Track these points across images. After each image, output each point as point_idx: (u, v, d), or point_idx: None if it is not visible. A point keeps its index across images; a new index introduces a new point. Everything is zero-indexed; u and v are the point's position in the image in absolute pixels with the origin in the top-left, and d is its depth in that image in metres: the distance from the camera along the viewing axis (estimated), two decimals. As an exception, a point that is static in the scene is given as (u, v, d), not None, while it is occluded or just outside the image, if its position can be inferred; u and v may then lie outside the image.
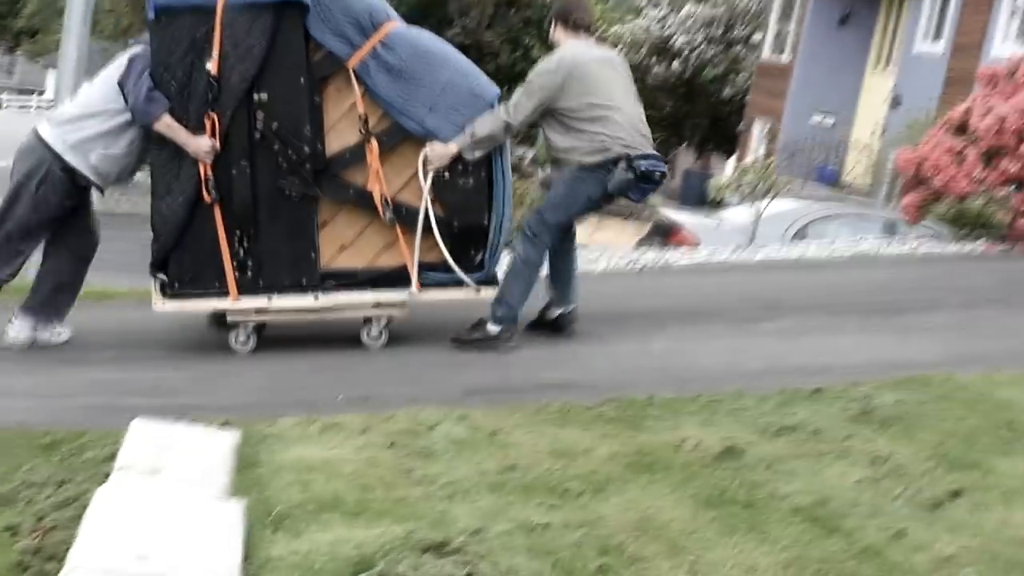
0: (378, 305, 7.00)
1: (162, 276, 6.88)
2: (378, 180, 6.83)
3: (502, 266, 7.19)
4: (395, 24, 6.88)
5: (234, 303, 6.83)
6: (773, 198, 12.15)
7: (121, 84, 6.71)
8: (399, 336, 7.00)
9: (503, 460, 4.75)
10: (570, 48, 6.99)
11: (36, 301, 7.04)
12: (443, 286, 6.99)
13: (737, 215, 12.30)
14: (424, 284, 6.93)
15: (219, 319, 7.13)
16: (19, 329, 7.00)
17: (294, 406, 5.61)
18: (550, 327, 7.26)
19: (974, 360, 6.43)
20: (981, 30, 18.69)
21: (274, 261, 6.82)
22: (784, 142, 23.15)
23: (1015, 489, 4.51)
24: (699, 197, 22.65)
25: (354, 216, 6.94)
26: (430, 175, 6.85)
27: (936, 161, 10.60)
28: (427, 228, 6.87)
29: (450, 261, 6.89)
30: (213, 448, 4.74)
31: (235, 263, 6.78)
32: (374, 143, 6.82)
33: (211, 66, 6.58)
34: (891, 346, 6.92)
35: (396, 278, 6.94)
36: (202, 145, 6.61)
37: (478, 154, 6.87)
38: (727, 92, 31.23)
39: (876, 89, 22.51)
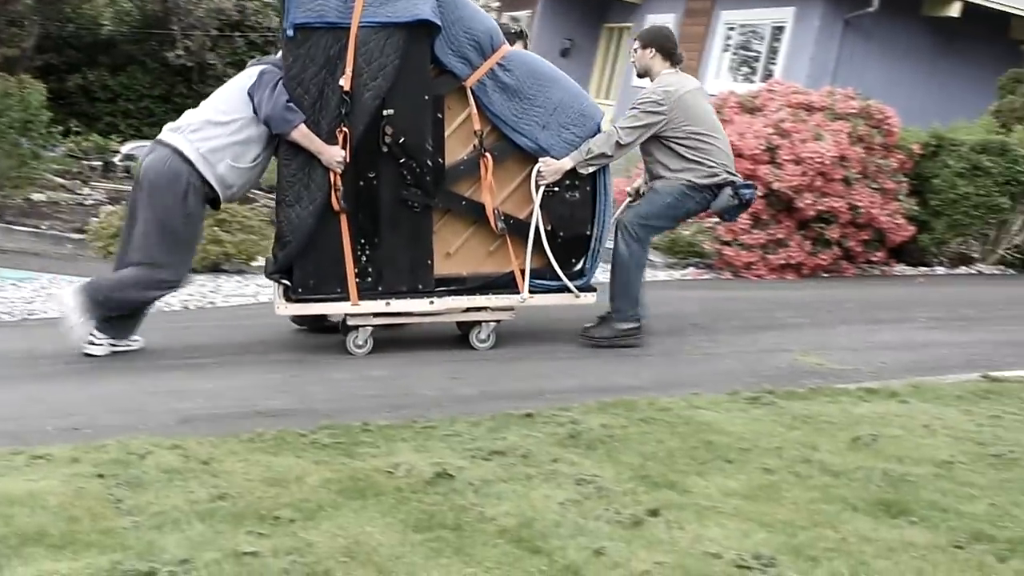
0: (486, 309, 7.45)
1: (285, 281, 7.12)
2: (490, 192, 7.17)
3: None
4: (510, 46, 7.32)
5: (354, 307, 7.18)
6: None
7: (251, 93, 6.85)
8: (120, 366, 6.90)
9: (214, 489, 4.73)
10: (673, 80, 7.63)
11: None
12: (547, 292, 7.55)
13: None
14: (530, 290, 7.46)
15: (318, 324, 7.84)
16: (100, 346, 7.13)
17: (1, 438, 5.47)
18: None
19: (678, 384, 6.75)
20: (694, 67, 19.45)
21: (393, 267, 7.25)
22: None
23: (708, 507, 4.74)
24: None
25: (458, 225, 7.41)
26: (542, 188, 7.36)
27: (648, 192, 10.98)
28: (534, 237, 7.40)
29: (557, 269, 7.49)
30: (-89, 482, 4.60)
31: (357, 269, 7.19)
32: (488, 157, 7.16)
33: (344, 82, 6.88)
34: (601, 371, 7.18)
35: (501, 284, 7.48)
36: (335, 154, 6.90)
37: (591, 170, 7.37)
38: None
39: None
